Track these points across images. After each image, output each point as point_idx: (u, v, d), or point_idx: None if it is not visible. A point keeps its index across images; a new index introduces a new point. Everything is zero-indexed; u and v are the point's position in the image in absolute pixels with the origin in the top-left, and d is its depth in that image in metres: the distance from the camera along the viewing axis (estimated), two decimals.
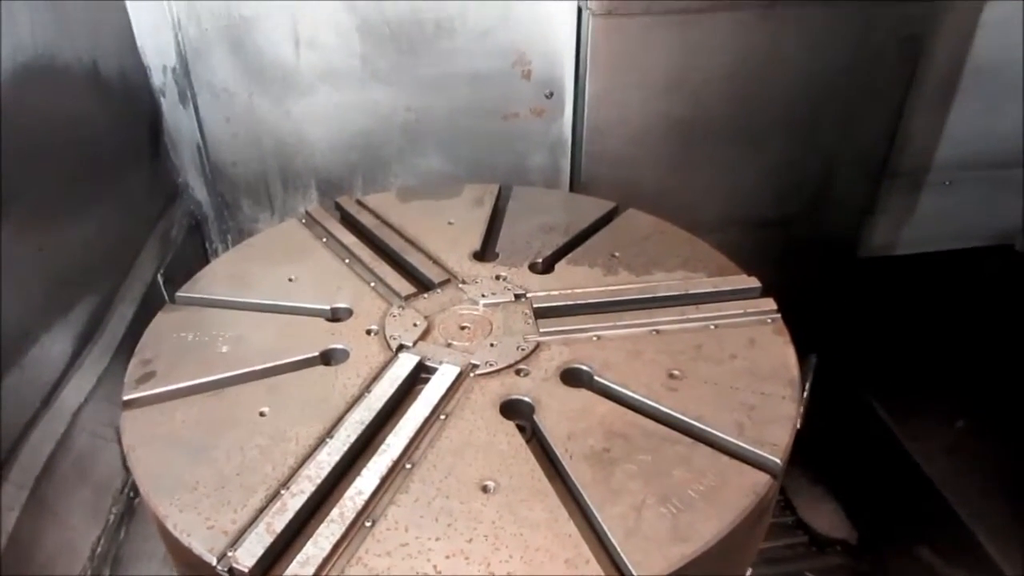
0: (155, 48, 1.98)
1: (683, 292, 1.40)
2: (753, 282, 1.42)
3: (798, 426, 1.14)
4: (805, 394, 1.21)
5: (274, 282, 1.46)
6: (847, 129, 2.14)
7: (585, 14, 1.94)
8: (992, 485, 2.02)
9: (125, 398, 1.19)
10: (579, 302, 1.38)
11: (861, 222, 2.41)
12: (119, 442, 1.20)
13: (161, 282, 1.90)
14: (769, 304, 1.37)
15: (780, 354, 1.27)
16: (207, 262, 2.22)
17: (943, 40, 2.28)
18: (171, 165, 2.14)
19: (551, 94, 2.15)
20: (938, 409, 2.29)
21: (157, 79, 2.02)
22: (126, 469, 1.62)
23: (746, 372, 1.22)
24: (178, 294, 1.42)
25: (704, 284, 1.42)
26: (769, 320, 1.34)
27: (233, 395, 1.18)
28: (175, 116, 2.08)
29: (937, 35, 2.25)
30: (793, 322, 1.35)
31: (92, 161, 1.71)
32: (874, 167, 2.26)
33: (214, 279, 1.48)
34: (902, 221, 2.66)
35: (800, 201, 2.25)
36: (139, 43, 1.96)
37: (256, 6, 1.94)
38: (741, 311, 1.35)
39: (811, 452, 1.72)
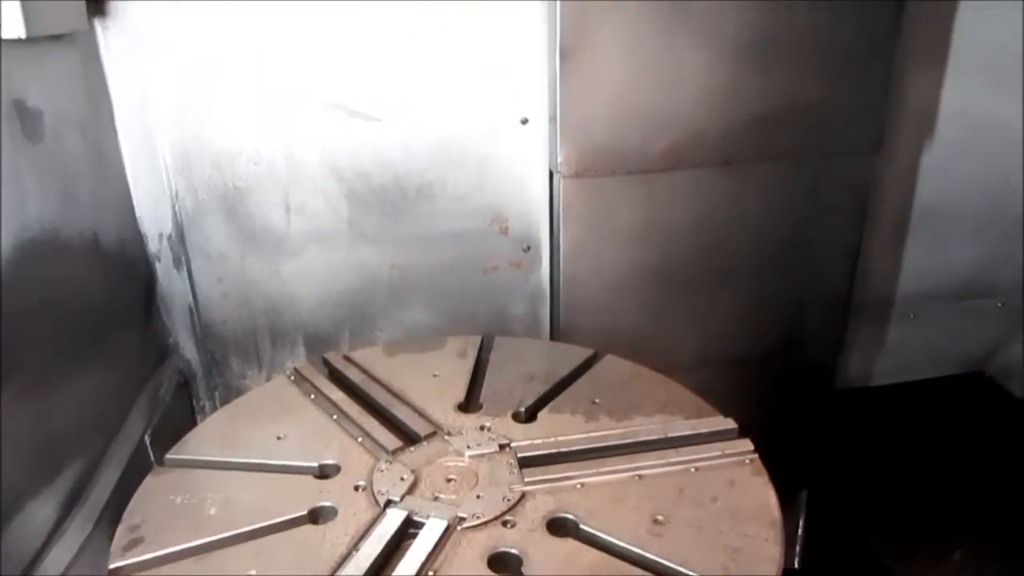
0: (153, 217, 2.10)
1: (663, 436, 1.44)
2: (730, 423, 1.47)
3: (796, 564, 1.16)
4: (800, 531, 1.23)
5: (263, 441, 1.48)
6: (809, 271, 2.27)
7: (556, 176, 2.10)
8: None
9: (111, 566, 1.18)
10: (562, 450, 1.41)
11: (834, 356, 2.49)
12: None
13: (148, 443, 1.90)
14: (747, 445, 1.41)
15: (760, 495, 1.29)
16: (194, 420, 2.27)
17: (889, 187, 2.49)
18: (162, 326, 2.20)
19: (528, 248, 2.27)
20: (933, 542, 2.27)
21: (153, 246, 2.13)
22: None
23: (728, 514, 1.24)
24: (167, 456, 1.44)
25: (683, 427, 1.46)
26: (748, 461, 1.37)
27: (221, 559, 1.18)
28: (169, 279, 2.16)
29: (883, 183, 2.45)
30: (776, 457, 1.38)
31: (87, 327, 1.77)
32: (839, 305, 2.37)
33: (203, 439, 1.51)
34: (874, 353, 2.76)
35: (771, 340, 2.34)
36: (138, 213, 2.08)
37: (250, 177, 2.08)
38: (720, 452, 1.39)
39: None
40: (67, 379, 1.65)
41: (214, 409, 2.29)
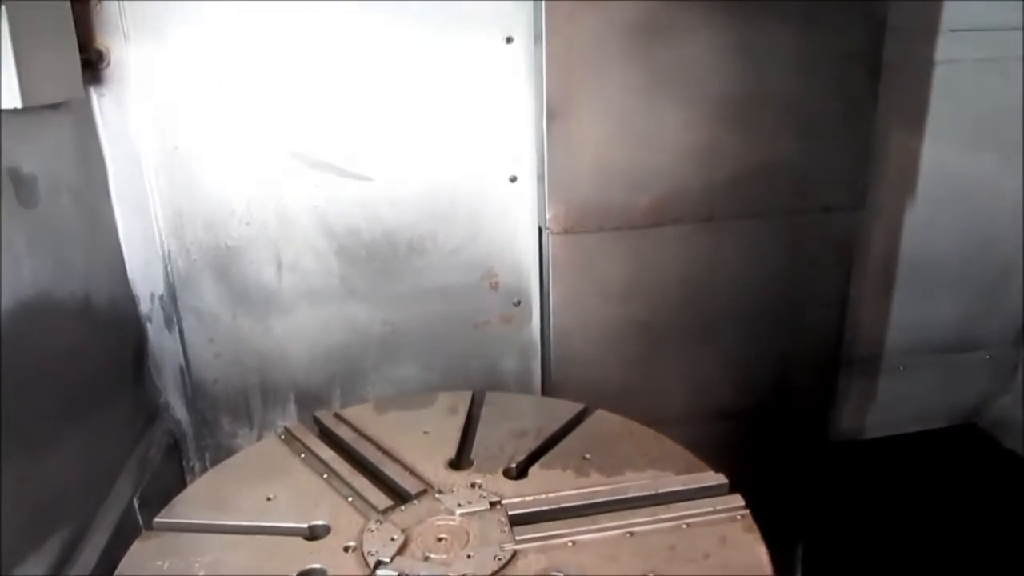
0: (145, 278, 2.11)
1: (654, 492, 1.43)
2: (721, 478, 1.47)
3: None
4: None
5: (252, 502, 1.47)
6: (797, 325, 2.29)
7: (545, 232, 2.13)
8: None
9: None
10: (553, 507, 1.41)
11: (826, 409, 2.49)
12: None
13: (137, 507, 1.88)
14: (737, 500, 1.40)
15: (752, 552, 1.29)
16: (184, 481, 2.25)
17: (875, 242, 2.54)
18: (152, 386, 2.20)
19: (519, 302, 2.30)
20: None
21: (145, 306, 2.14)
22: None
23: (721, 571, 1.23)
24: (156, 520, 1.43)
25: (673, 483, 1.46)
26: (739, 516, 1.37)
27: None
28: (160, 340, 2.17)
29: (869, 238, 2.50)
30: (770, 510, 1.38)
31: (77, 388, 1.77)
32: (829, 358, 2.38)
33: (192, 502, 1.49)
34: (866, 406, 2.77)
35: (761, 393, 2.35)
36: (130, 275, 2.10)
37: (242, 237, 2.11)
38: (711, 508, 1.38)
39: None
40: (56, 442, 1.64)
41: (204, 470, 2.27)
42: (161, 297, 2.13)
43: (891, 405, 2.75)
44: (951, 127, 2.46)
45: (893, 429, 2.77)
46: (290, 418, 2.27)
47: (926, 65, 2.39)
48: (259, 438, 2.27)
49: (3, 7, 1.46)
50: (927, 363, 2.74)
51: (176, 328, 2.16)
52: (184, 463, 2.28)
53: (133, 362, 2.12)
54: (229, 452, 2.19)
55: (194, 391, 2.23)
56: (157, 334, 2.16)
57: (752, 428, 2.38)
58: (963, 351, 2.75)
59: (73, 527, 1.63)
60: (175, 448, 2.24)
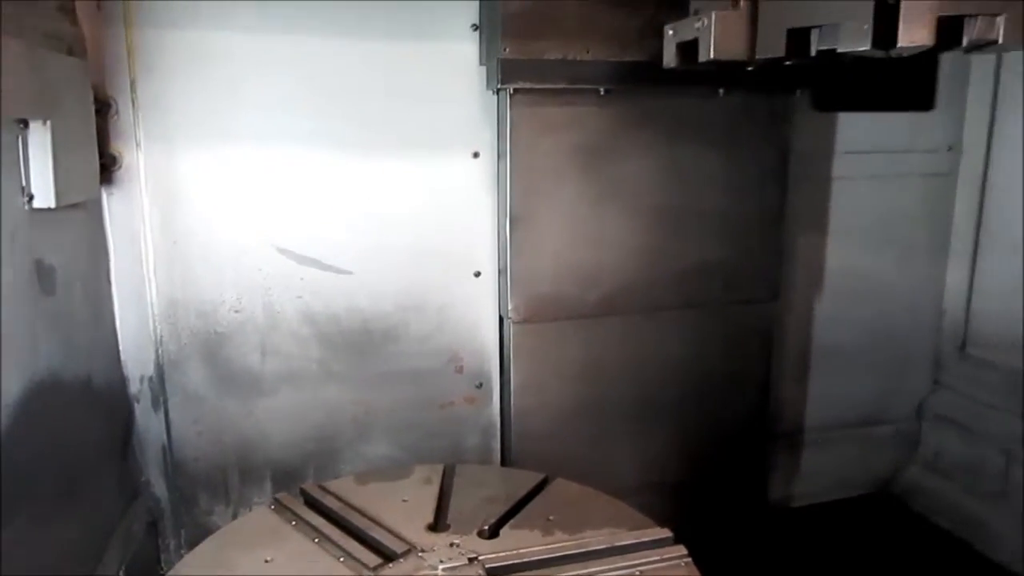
0: (136, 361, 2.27)
1: (610, 545, 1.65)
2: (667, 532, 1.70)
3: None
4: None
5: (251, 564, 1.62)
6: (728, 403, 2.59)
7: (506, 322, 2.40)
8: None
9: None
10: (524, 560, 1.61)
11: (758, 480, 2.77)
12: None
13: None
14: (681, 550, 1.64)
15: None
16: (159, 558, 2.34)
17: (791, 330, 2.89)
18: (135, 464, 2.32)
19: (481, 385, 2.53)
20: None
21: (134, 387, 2.28)
22: None
23: None
24: None
25: (627, 537, 1.69)
26: (683, 563, 1.60)
27: None
28: (146, 419, 2.30)
29: (785, 327, 2.85)
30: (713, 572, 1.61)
31: (69, 466, 1.88)
32: (756, 433, 2.68)
33: (196, 565, 1.63)
34: (792, 477, 3.05)
35: (701, 465, 2.61)
36: (123, 357, 2.25)
37: (231, 324, 2.31)
38: (659, 557, 1.61)
39: None
40: (53, 515, 1.76)
41: (180, 547, 2.37)
42: (150, 379, 2.28)
43: (814, 475, 3.04)
44: (850, 233, 2.87)
45: (817, 498, 3.05)
46: (266, 496, 2.40)
47: (826, 181, 2.81)
48: (235, 516, 2.39)
49: (49, 122, 1.69)
50: (843, 437, 3.06)
51: (162, 408, 2.30)
52: (160, 540, 2.37)
53: (120, 441, 2.24)
54: (205, 529, 2.29)
55: (175, 469, 2.35)
56: (144, 414, 2.30)
57: (695, 498, 2.62)
58: (873, 425, 3.09)
59: None
60: (153, 525, 2.33)
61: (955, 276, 3.03)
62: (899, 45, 1.23)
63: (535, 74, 2.15)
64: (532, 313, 2.36)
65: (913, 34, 1.22)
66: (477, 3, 2.25)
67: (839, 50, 1.29)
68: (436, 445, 2.53)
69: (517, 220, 2.29)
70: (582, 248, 2.35)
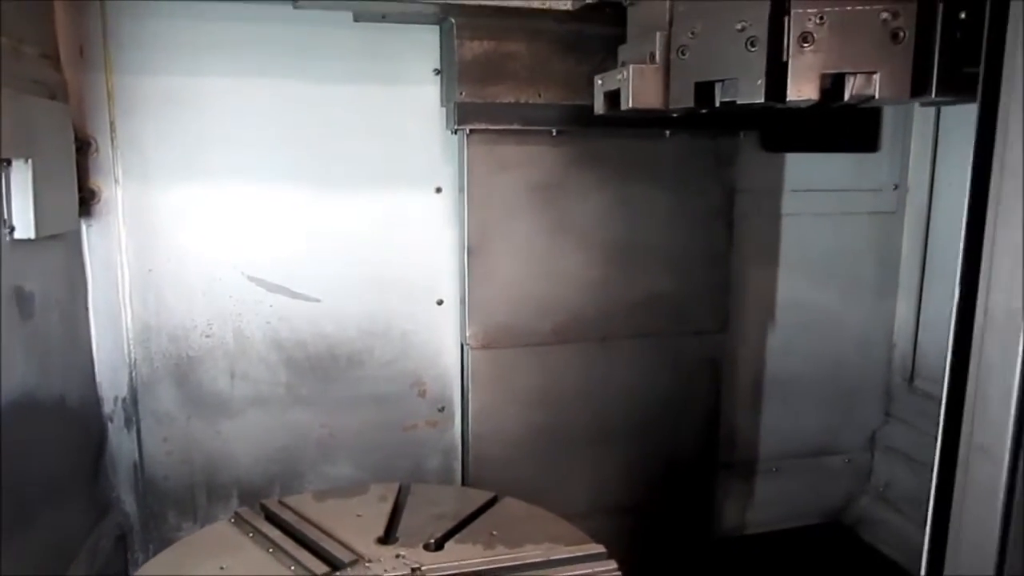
0: (111, 383, 2.38)
1: (545, 559, 1.76)
2: (600, 548, 1.81)
3: None
4: None
5: (207, 571, 1.73)
6: (676, 431, 2.70)
7: (466, 348, 2.52)
8: None
9: None
10: (463, 571, 1.72)
11: (706, 508, 2.87)
12: None
13: None
14: (612, 564, 1.75)
15: None
16: (126, 571, 2.42)
17: (743, 362, 3.01)
18: (106, 481, 2.42)
19: (443, 408, 2.65)
20: None
21: (108, 407, 2.39)
22: None
23: None
24: None
25: (562, 552, 1.79)
26: None
27: None
28: (119, 439, 2.41)
29: (738, 358, 2.97)
30: None
31: (42, 481, 1.98)
32: (705, 461, 2.79)
33: (154, 571, 1.74)
34: (746, 505, 3.15)
35: (650, 491, 2.71)
36: (98, 379, 2.37)
37: (202, 348, 2.43)
38: (590, 571, 1.72)
39: None
40: (26, 527, 1.86)
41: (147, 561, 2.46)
42: (124, 400, 2.40)
43: (767, 504, 3.14)
44: (799, 267, 3.00)
45: (770, 526, 3.15)
46: (231, 513, 2.50)
47: (775, 217, 2.96)
48: None
49: (30, 161, 1.83)
50: (796, 466, 3.16)
51: (134, 428, 2.41)
52: (129, 555, 2.46)
53: (93, 459, 2.35)
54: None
55: (145, 487, 2.45)
56: (116, 433, 2.41)
57: (644, 523, 2.72)
58: (825, 455, 3.20)
59: None
60: (121, 540, 2.43)
61: (903, 311, 3.16)
62: (788, 99, 1.38)
63: (489, 116, 2.31)
64: (489, 340, 2.49)
65: (800, 89, 1.37)
66: (438, 49, 2.41)
67: (738, 102, 1.43)
68: (399, 466, 2.63)
69: (474, 252, 2.43)
70: (536, 279, 2.49)
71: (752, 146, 2.81)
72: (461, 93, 2.27)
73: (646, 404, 2.65)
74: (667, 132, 2.49)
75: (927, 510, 1.05)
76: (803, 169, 2.97)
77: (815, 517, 3.22)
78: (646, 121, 2.37)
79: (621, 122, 2.14)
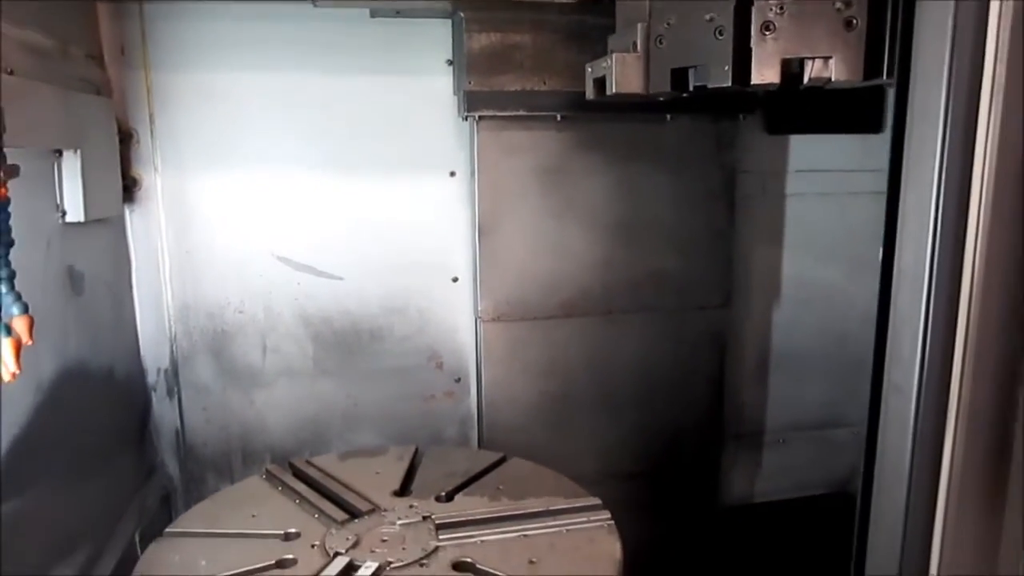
0: (154, 356, 2.60)
1: (545, 509, 1.92)
2: (596, 500, 1.96)
3: None
4: None
5: (240, 518, 1.92)
6: (681, 402, 2.83)
7: (479, 321, 2.69)
8: None
9: None
10: (469, 518, 1.89)
11: (712, 476, 3.00)
12: None
13: (138, 542, 2.30)
14: (606, 514, 1.90)
15: (611, 547, 1.78)
16: None
17: (749, 335, 3.12)
18: (151, 446, 2.64)
19: (459, 380, 2.82)
20: None
21: (151, 378, 2.61)
22: None
23: (584, 560, 1.72)
24: (166, 530, 1.87)
25: (561, 503, 1.95)
26: (606, 525, 1.86)
27: None
28: (161, 407, 2.63)
29: (744, 332, 3.08)
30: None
31: (96, 442, 2.21)
32: (711, 431, 2.92)
33: (193, 518, 1.94)
34: (753, 475, 3.27)
35: (657, 459, 2.85)
36: (142, 352, 2.59)
37: (235, 324, 2.63)
38: (585, 519, 1.88)
39: None
40: (81, 482, 2.08)
41: None
42: (166, 371, 2.62)
43: (775, 474, 3.25)
44: (804, 245, 3.10)
45: (778, 495, 3.26)
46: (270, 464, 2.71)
47: (780, 197, 3.06)
48: None
49: (79, 151, 2.04)
50: (803, 438, 3.27)
51: (176, 398, 2.63)
52: (173, 513, 2.68)
53: (139, 425, 2.57)
54: None
55: (186, 452, 2.67)
56: (159, 402, 2.63)
57: (651, 489, 2.87)
58: (832, 427, 3.30)
59: (88, 551, 2.05)
60: (167, 500, 2.65)
61: None
62: (752, 83, 1.50)
63: (497, 104, 2.46)
64: (500, 314, 2.65)
65: (763, 74, 1.50)
66: (450, 41, 2.57)
67: (709, 86, 1.57)
68: (419, 435, 2.81)
69: (486, 232, 2.59)
70: (544, 257, 2.64)
71: (757, 128, 2.91)
72: (470, 82, 2.43)
73: (651, 375, 2.79)
74: (668, 116, 2.61)
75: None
76: (807, 150, 3.06)
77: (821, 487, 3.32)
78: (648, 106, 2.49)
79: (623, 107, 2.28)
